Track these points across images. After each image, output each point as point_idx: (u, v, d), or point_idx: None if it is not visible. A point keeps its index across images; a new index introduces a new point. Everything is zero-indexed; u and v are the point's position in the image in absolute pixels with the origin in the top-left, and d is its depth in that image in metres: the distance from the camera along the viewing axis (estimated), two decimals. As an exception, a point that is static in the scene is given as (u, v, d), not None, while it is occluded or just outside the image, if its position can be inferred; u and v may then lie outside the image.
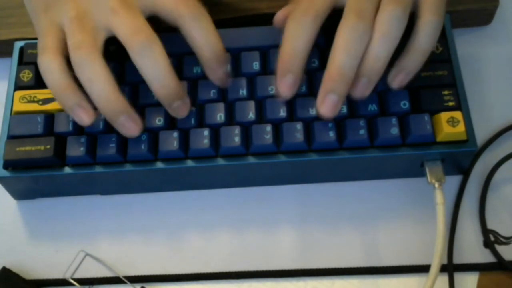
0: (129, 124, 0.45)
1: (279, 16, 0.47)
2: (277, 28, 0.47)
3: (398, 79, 0.46)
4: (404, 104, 0.47)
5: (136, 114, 0.45)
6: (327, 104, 0.44)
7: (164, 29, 0.49)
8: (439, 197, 0.46)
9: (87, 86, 0.43)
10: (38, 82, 0.49)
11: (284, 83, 0.45)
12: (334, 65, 0.43)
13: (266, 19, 0.51)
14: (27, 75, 0.50)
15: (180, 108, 0.46)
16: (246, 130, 0.47)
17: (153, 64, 0.43)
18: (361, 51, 0.43)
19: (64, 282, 0.48)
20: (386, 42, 0.43)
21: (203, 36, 0.45)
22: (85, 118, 0.45)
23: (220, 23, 0.49)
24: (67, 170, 0.47)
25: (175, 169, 0.47)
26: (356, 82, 0.44)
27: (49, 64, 0.44)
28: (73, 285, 0.48)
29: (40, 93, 0.49)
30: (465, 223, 0.48)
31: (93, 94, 0.44)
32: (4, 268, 0.48)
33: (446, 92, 0.47)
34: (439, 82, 0.48)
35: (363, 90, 0.45)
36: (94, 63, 0.43)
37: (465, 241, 0.48)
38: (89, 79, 0.43)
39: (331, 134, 0.46)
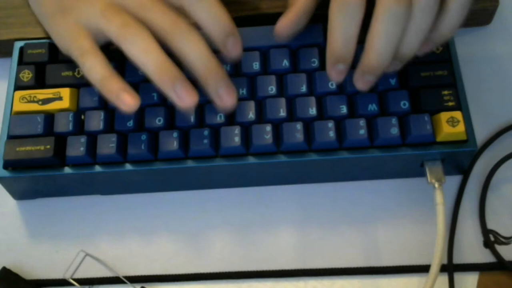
0: (184, 93, 0.44)
1: (280, 27, 0.47)
2: (275, 35, 0.47)
3: (423, 48, 0.46)
4: (404, 104, 0.47)
5: (190, 84, 0.45)
6: (363, 83, 0.45)
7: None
8: (439, 197, 0.46)
9: (143, 58, 0.44)
10: (38, 82, 0.50)
11: (336, 71, 0.45)
12: (373, 50, 0.43)
13: (266, 19, 0.51)
14: (27, 75, 0.50)
15: (226, 95, 0.46)
16: (246, 130, 0.47)
17: (196, 48, 0.44)
18: (399, 36, 0.43)
19: (64, 282, 0.48)
20: (421, 32, 0.43)
21: (209, 16, 0.45)
22: (131, 101, 0.44)
23: (252, 20, 0.49)
24: (67, 170, 0.47)
25: (175, 169, 0.47)
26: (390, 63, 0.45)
27: (92, 61, 0.45)
28: (73, 285, 0.48)
29: (40, 93, 0.49)
30: (465, 223, 0.48)
31: (149, 63, 0.44)
32: (4, 268, 0.48)
33: (446, 92, 0.47)
34: (439, 82, 0.48)
35: (392, 69, 0.46)
36: (146, 36, 0.44)
37: (465, 241, 0.48)
38: (144, 50, 0.44)
39: (331, 134, 0.46)
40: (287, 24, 0.47)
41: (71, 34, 0.46)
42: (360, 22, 0.43)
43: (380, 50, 0.43)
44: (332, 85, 0.48)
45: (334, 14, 0.43)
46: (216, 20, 0.45)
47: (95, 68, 0.45)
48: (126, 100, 0.44)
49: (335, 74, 0.45)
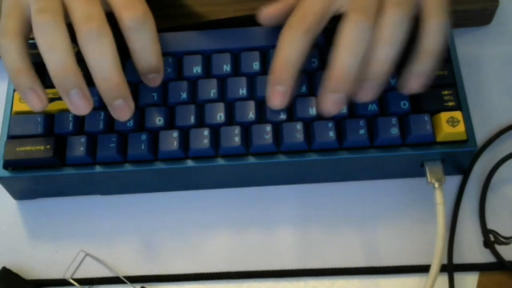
0: (78, 100, 0.43)
1: (265, 13, 0.47)
2: (261, 21, 0.48)
3: (409, 85, 0.45)
4: (404, 104, 0.47)
5: (88, 91, 0.43)
6: (329, 102, 0.44)
7: (164, 29, 0.49)
8: (439, 197, 0.46)
9: (45, 52, 0.42)
10: (38, 82, 0.50)
11: (275, 94, 0.45)
12: (338, 64, 0.43)
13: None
14: (27, 75, 0.49)
15: (122, 109, 0.44)
16: (246, 130, 0.47)
17: (99, 54, 0.43)
18: (365, 50, 0.42)
19: (64, 282, 0.48)
20: (392, 46, 0.42)
21: (140, 46, 0.45)
22: (36, 103, 0.44)
23: (220, 23, 0.49)
24: (67, 170, 0.47)
25: (175, 169, 0.47)
26: (362, 86, 0.44)
27: (8, 46, 0.43)
28: (73, 285, 0.48)
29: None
30: (465, 223, 0.48)
31: (49, 62, 0.42)
32: (4, 268, 0.48)
33: (446, 92, 0.47)
34: (439, 82, 0.48)
35: (369, 94, 0.45)
36: (57, 28, 0.42)
37: (465, 241, 0.48)
38: (49, 45, 0.42)
39: (331, 134, 0.46)
40: (269, 14, 0.47)
41: (8, 11, 0.44)
42: (304, 49, 0.43)
43: (344, 63, 0.42)
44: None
45: (281, 36, 0.44)
46: (146, 55, 0.45)
47: (9, 54, 0.43)
48: (32, 101, 0.44)
49: (274, 96, 0.45)
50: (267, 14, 0.48)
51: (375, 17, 0.42)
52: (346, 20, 0.43)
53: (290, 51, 0.44)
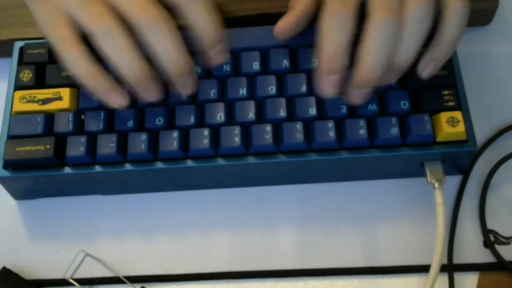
0: (152, 90, 0.45)
1: (280, 28, 0.47)
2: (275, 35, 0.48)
3: (428, 69, 0.46)
4: (404, 104, 0.47)
5: (161, 85, 0.46)
6: (358, 96, 0.45)
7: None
8: (439, 197, 0.46)
9: (115, 55, 0.43)
10: (38, 82, 0.50)
11: (329, 83, 0.44)
12: (365, 64, 0.43)
13: (266, 19, 0.51)
14: (27, 75, 0.50)
15: (188, 84, 0.46)
16: (246, 130, 0.47)
17: (163, 38, 0.43)
18: (391, 49, 0.43)
19: (64, 282, 0.48)
20: (416, 42, 0.43)
21: (200, 20, 0.45)
22: (120, 100, 0.45)
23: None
24: (67, 170, 0.47)
25: (175, 169, 0.47)
26: (384, 75, 0.44)
27: (75, 55, 0.44)
28: (73, 285, 0.48)
29: (40, 93, 0.49)
30: (465, 223, 0.48)
31: (120, 62, 0.43)
32: (4, 268, 0.48)
33: (446, 92, 0.47)
34: (439, 82, 0.48)
35: (388, 81, 0.46)
36: (119, 31, 0.43)
37: (465, 241, 0.48)
38: (117, 48, 0.43)
39: (331, 134, 0.46)
40: (286, 26, 0.47)
41: (52, 20, 0.45)
42: (351, 32, 0.43)
43: (371, 64, 0.43)
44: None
45: (325, 23, 0.43)
46: (206, 25, 0.45)
47: (78, 62, 0.44)
48: (117, 100, 0.45)
49: (329, 86, 0.44)
50: (283, 28, 0.47)
51: (399, 12, 0.42)
52: (371, 17, 0.42)
53: (340, 38, 0.43)
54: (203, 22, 0.45)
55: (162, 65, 0.44)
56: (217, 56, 0.47)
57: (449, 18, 0.43)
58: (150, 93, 0.46)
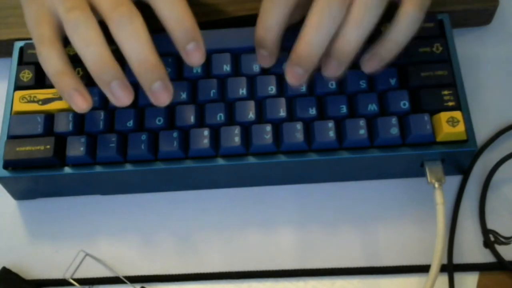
0: (120, 91, 0.43)
1: (290, 80, 0.46)
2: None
3: (370, 64, 0.46)
4: (404, 104, 0.47)
5: (128, 82, 0.44)
6: (292, 75, 0.45)
7: (164, 29, 0.49)
8: (439, 197, 0.46)
9: (82, 48, 0.43)
10: (38, 82, 0.50)
11: (260, 57, 0.47)
12: (303, 41, 0.43)
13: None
14: (27, 75, 0.50)
15: (161, 92, 0.43)
16: (246, 130, 0.47)
17: (132, 37, 0.42)
18: (332, 31, 0.43)
19: (64, 282, 0.48)
20: (359, 28, 0.43)
21: (172, 16, 0.43)
22: (82, 103, 0.44)
23: (220, 23, 0.49)
24: (67, 170, 0.47)
25: (175, 169, 0.47)
26: (327, 62, 0.44)
27: (48, 52, 0.44)
28: (73, 285, 0.48)
29: (40, 93, 0.49)
30: (465, 223, 0.48)
31: (87, 57, 0.43)
32: (4, 268, 0.48)
33: (446, 92, 0.47)
34: (439, 82, 0.48)
35: (333, 71, 0.45)
36: (89, 24, 0.42)
37: (465, 241, 0.48)
38: (84, 41, 0.43)
39: (331, 134, 0.46)
40: (295, 78, 0.46)
41: (36, 18, 0.45)
42: (284, 15, 0.44)
43: (310, 40, 0.43)
44: (332, 85, 0.48)
45: (263, 3, 0.45)
46: (179, 21, 0.43)
47: (50, 60, 0.44)
48: (78, 102, 0.44)
49: (259, 59, 0.47)
50: (293, 81, 0.46)
51: None
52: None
53: (271, 17, 0.45)
54: (176, 16, 0.43)
55: (130, 63, 0.43)
56: (193, 53, 0.44)
57: (400, 19, 0.43)
58: (117, 96, 0.43)
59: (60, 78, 0.44)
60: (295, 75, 0.45)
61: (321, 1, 0.42)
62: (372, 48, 0.45)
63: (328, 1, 0.42)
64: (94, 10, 0.43)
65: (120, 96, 0.43)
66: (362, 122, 0.46)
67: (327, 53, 0.44)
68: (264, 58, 0.47)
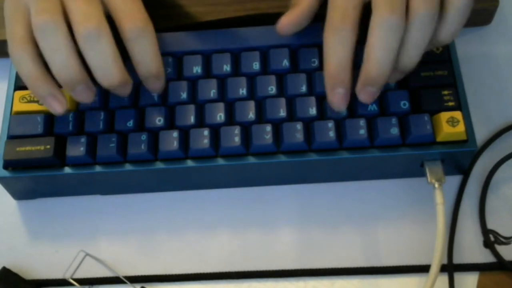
0: (84, 94, 0.45)
1: (283, 22, 0.47)
2: (277, 31, 0.47)
3: (394, 77, 0.46)
4: (404, 104, 0.47)
5: (91, 82, 0.45)
6: (366, 94, 0.45)
7: (164, 29, 0.49)
8: (439, 197, 0.46)
9: (48, 55, 0.43)
10: (38, 82, 0.50)
11: (337, 97, 0.45)
12: (372, 61, 0.43)
13: (266, 19, 0.51)
14: (27, 75, 0.49)
15: (123, 90, 0.46)
16: (246, 130, 0.47)
17: (99, 54, 0.43)
18: (397, 45, 0.43)
19: (64, 282, 0.48)
20: (421, 41, 0.43)
21: (141, 55, 0.45)
22: (57, 107, 0.45)
23: (220, 23, 0.49)
24: (67, 170, 0.47)
25: (175, 169, 0.47)
26: (392, 74, 0.45)
27: (21, 55, 0.43)
28: (73, 285, 0.48)
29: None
30: (465, 223, 0.48)
31: (53, 63, 0.43)
32: (4, 268, 0.48)
33: (446, 92, 0.47)
34: (439, 82, 0.48)
35: (394, 80, 0.46)
36: (57, 29, 0.42)
37: (465, 241, 0.48)
38: (50, 47, 0.43)
39: (331, 134, 0.46)
40: (290, 22, 0.47)
41: (11, 15, 0.44)
42: (353, 46, 0.43)
43: (378, 60, 0.43)
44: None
45: (328, 39, 0.44)
46: (147, 63, 0.45)
47: (23, 63, 0.44)
48: (54, 106, 0.45)
49: (336, 99, 0.45)
50: (286, 23, 0.47)
51: (404, 8, 0.42)
52: (375, 17, 0.42)
53: (342, 53, 0.43)
54: (144, 59, 0.45)
55: (95, 77, 0.44)
56: (151, 87, 0.47)
57: (450, 14, 0.43)
58: (81, 96, 0.45)
59: (34, 83, 0.44)
60: (369, 94, 0.45)
61: (380, 17, 0.42)
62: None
63: (386, 16, 0.42)
64: (65, 14, 0.43)
65: (84, 98, 0.45)
66: (362, 122, 0.46)
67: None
68: (342, 98, 0.45)
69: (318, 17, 0.48)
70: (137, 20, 0.44)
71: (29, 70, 0.44)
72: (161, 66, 0.46)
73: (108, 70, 0.43)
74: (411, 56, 0.44)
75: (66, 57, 0.43)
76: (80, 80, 0.44)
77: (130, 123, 0.47)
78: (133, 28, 0.44)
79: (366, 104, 0.47)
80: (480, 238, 0.48)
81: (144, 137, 0.47)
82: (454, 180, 0.50)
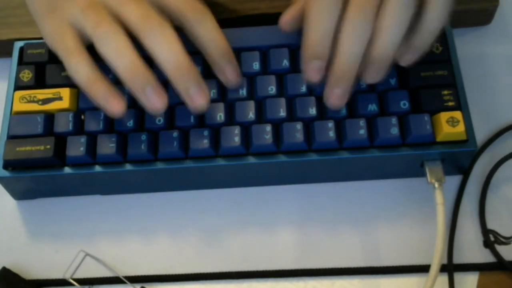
0: (154, 97, 0.44)
1: (285, 18, 0.47)
2: (279, 29, 0.47)
3: (407, 58, 0.46)
4: (404, 104, 0.47)
5: (161, 87, 0.45)
6: (334, 97, 0.45)
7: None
8: (439, 197, 0.46)
9: (114, 60, 0.44)
10: (38, 82, 0.50)
11: (312, 70, 0.45)
12: (338, 62, 0.43)
13: (266, 19, 0.51)
14: (27, 75, 0.50)
15: (197, 95, 0.45)
16: (246, 130, 0.47)
17: (166, 45, 0.43)
18: (366, 40, 0.42)
19: (64, 282, 0.48)
20: (397, 30, 0.43)
21: (208, 36, 0.46)
22: (118, 107, 0.45)
23: (220, 23, 0.49)
24: (67, 170, 0.47)
25: (175, 169, 0.47)
26: (367, 68, 0.44)
27: (78, 63, 0.45)
28: (73, 285, 0.48)
29: (40, 93, 0.49)
30: (465, 223, 0.48)
31: (120, 67, 0.44)
32: (4, 268, 0.48)
33: (446, 92, 0.47)
34: (439, 82, 0.48)
35: (374, 76, 0.45)
36: (118, 36, 0.43)
37: (465, 241, 0.48)
38: (115, 53, 0.43)
39: (331, 134, 0.46)
40: (291, 18, 0.47)
41: (58, 33, 0.46)
42: (336, 18, 0.43)
43: (345, 57, 0.43)
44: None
45: (311, 9, 0.43)
46: (216, 44, 0.46)
47: (80, 69, 0.45)
48: (114, 106, 0.45)
49: (311, 72, 0.45)
50: (288, 19, 0.47)
51: (376, 9, 0.42)
52: (348, 10, 0.42)
53: (322, 23, 0.43)
54: (213, 41, 0.46)
55: (165, 71, 0.44)
56: (229, 75, 0.47)
57: (431, 6, 0.43)
58: (152, 101, 0.44)
59: (93, 86, 0.45)
60: (337, 97, 0.45)
61: (352, 14, 0.42)
62: (408, 42, 0.45)
63: (358, 13, 0.42)
64: (118, 21, 0.44)
65: (155, 101, 0.44)
66: (362, 122, 0.46)
67: (366, 60, 0.44)
68: (317, 71, 0.45)
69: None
70: (195, 5, 0.45)
71: (87, 74, 0.44)
72: (229, 46, 0.46)
73: (177, 58, 0.44)
74: (385, 45, 0.43)
75: (131, 60, 0.43)
76: (149, 80, 0.44)
77: (130, 123, 0.47)
78: (195, 13, 0.45)
79: (366, 104, 0.47)
80: (480, 238, 0.48)
81: (144, 137, 0.47)
82: (454, 180, 0.50)
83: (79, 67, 0.45)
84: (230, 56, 0.47)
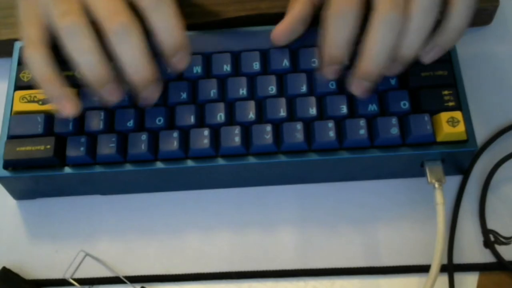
0: (111, 95, 0.45)
1: (276, 32, 0.48)
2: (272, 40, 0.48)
3: (431, 55, 0.46)
4: (404, 104, 0.47)
5: (118, 85, 0.45)
6: (358, 87, 0.46)
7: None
8: (439, 197, 0.46)
9: (76, 57, 0.43)
10: (38, 82, 0.50)
11: (331, 71, 0.46)
12: (368, 57, 0.43)
13: (266, 19, 0.51)
14: (27, 75, 0.50)
15: (150, 95, 0.46)
16: (246, 130, 0.47)
17: (131, 48, 0.43)
18: (396, 41, 0.43)
19: (64, 282, 0.48)
20: (421, 33, 0.43)
21: (160, 23, 0.44)
22: (70, 108, 0.45)
23: (220, 24, 0.49)
24: (67, 170, 0.47)
25: (175, 169, 0.47)
26: (390, 66, 0.45)
27: (34, 56, 0.44)
28: (73, 285, 0.48)
29: (40, 93, 0.49)
30: (465, 223, 0.48)
31: (81, 65, 0.43)
32: (4, 268, 0.48)
33: (446, 92, 0.47)
34: (439, 82, 0.48)
35: (395, 72, 0.46)
36: (84, 31, 0.42)
37: (465, 241, 0.48)
38: (78, 49, 0.43)
39: (331, 134, 0.46)
40: (283, 31, 0.48)
41: (26, 19, 0.45)
42: (355, 28, 0.43)
43: (375, 56, 0.43)
44: (332, 85, 0.48)
45: (330, 23, 0.44)
46: (169, 32, 0.44)
47: (36, 64, 0.44)
48: (65, 108, 0.45)
49: (329, 73, 0.46)
50: (279, 33, 0.48)
51: (404, 6, 0.42)
52: (376, 11, 0.42)
53: (341, 33, 0.44)
54: (166, 28, 0.44)
55: (125, 73, 0.44)
56: (179, 63, 0.46)
57: (456, 6, 0.43)
58: (108, 98, 0.45)
59: (46, 84, 0.44)
60: (362, 88, 0.45)
61: (380, 12, 0.42)
62: (434, 40, 0.45)
63: (387, 12, 0.42)
64: (88, 13, 0.43)
65: (113, 97, 0.45)
66: (362, 122, 0.46)
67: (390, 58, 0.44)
68: (336, 72, 0.46)
69: (316, 22, 0.48)
70: None
71: (41, 70, 0.44)
72: (184, 34, 0.45)
73: (140, 64, 0.43)
74: (411, 47, 0.44)
75: (95, 57, 0.43)
76: (109, 79, 0.44)
77: (130, 123, 0.47)
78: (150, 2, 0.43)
79: (366, 104, 0.47)
80: (480, 238, 0.48)
81: (144, 137, 0.47)
82: (454, 180, 0.50)
83: (34, 61, 0.44)
84: (182, 47, 0.45)
